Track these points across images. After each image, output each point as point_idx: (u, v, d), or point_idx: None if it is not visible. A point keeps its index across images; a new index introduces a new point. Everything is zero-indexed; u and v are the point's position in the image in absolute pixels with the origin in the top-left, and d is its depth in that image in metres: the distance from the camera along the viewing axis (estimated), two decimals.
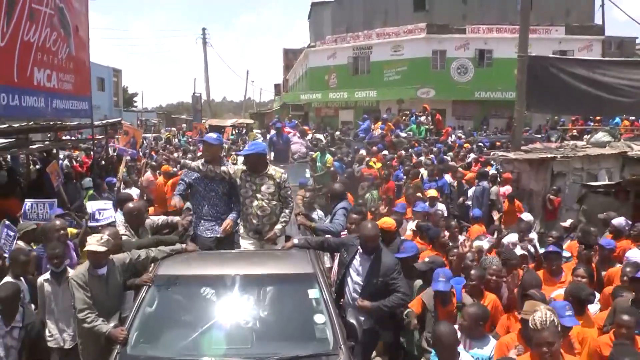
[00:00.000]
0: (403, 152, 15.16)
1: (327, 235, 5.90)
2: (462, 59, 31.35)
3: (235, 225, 5.55)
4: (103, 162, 14.94)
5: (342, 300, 5.26)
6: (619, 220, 7.30)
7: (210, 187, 5.56)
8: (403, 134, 18.67)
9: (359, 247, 5.07)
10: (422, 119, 20.62)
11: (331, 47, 35.01)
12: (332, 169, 12.31)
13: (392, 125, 19.39)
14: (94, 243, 4.67)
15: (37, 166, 14.27)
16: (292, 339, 4.20)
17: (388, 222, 6.02)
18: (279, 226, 5.42)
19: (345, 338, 4.07)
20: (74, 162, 15.74)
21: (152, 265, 4.92)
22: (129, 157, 12.61)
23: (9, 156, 13.15)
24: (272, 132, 15.72)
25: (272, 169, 5.54)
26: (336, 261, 5.78)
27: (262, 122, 38.37)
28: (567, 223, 8.63)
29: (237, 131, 28.73)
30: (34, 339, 4.85)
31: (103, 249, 4.66)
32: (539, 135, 20.83)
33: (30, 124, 10.33)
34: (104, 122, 15.39)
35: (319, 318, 4.23)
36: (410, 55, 31.54)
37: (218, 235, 5.46)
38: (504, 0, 30.64)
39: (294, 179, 9.31)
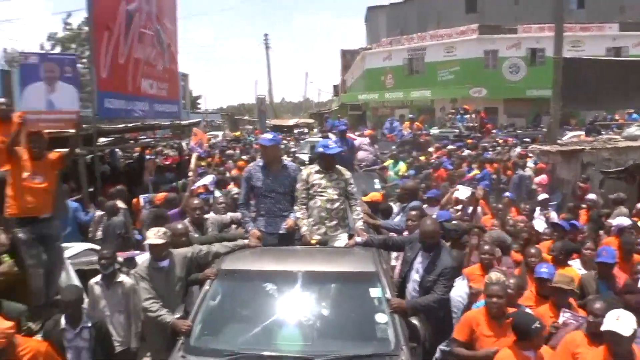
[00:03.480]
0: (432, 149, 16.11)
1: (391, 233, 5.97)
2: (514, 58, 32.11)
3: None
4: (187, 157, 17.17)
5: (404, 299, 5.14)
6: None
7: (271, 186, 5.52)
8: (434, 131, 19.48)
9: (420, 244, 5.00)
10: (467, 117, 21.86)
11: (387, 49, 36.56)
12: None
13: (420, 124, 20.26)
14: (152, 236, 4.78)
15: (130, 161, 16.57)
16: (352, 337, 4.13)
17: (375, 195, 7.19)
18: (359, 223, 5.43)
19: (407, 339, 3.99)
20: (161, 157, 18.09)
21: (215, 260, 4.98)
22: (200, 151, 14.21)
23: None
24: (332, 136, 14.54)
25: (340, 168, 5.64)
26: (400, 259, 5.70)
27: (322, 122, 40.32)
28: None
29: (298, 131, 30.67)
30: (104, 335, 4.81)
31: (161, 241, 4.74)
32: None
33: (138, 124, 12.64)
34: (188, 122, 17.63)
35: (381, 317, 4.16)
36: (462, 55, 32.65)
37: (280, 232, 5.46)
38: None
39: (361, 190, 8.19)
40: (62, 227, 6.08)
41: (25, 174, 4.99)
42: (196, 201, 6.18)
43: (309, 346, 3.96)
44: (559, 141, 13.79)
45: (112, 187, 10.45)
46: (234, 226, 6.67)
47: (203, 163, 13.25)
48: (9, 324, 3.80)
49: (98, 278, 5.32)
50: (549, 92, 29.92)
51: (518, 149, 16.99)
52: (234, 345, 3.97)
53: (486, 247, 5.47)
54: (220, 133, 21.67)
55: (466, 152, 16.08)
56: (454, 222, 6.53)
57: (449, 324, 4.81)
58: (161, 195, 8.68)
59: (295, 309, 4.33)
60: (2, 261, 5.01)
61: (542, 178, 12.64)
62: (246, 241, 5.19)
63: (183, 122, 16.27)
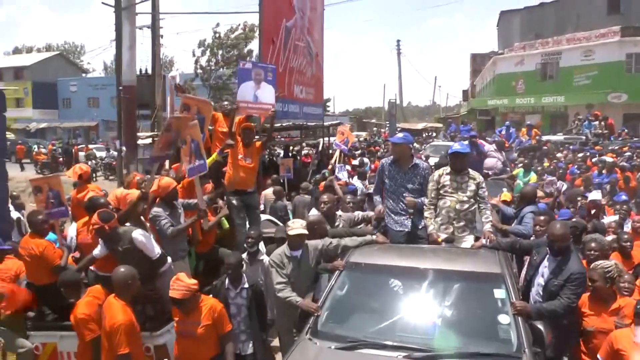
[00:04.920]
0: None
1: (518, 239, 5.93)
2: None
3: (419, 219, 5.72)
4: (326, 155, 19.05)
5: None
6: None
7: (400, 182, 5.68)
8: (559, 137, 19.02)
9: (548, 248, 4.90)
10: (595, 124, 21.33)
11: (519, 54, 36.10)
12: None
13: (537, 131, 19.53)
14: (298, 227, 5.05)
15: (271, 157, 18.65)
16: (474, 336, 4.12)
17: (506, 195, 7.69)
18: (487, 226, 5.47)
19: (530, 343, 3.93)
20: (302, 155, 20.18)
21: (343, 253, 5.17)
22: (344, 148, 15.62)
23: None
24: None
25: (472, 171, 5.70)
26: (526, 264, 5.74)
27: (449, 126, 40.72)
28: None
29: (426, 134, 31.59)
30: (259, 296, 5.27)
31: (306, 232, 5.05)
32: None
33: (289, 124, 14.58)
34: (331, 123, 19.47)
35: (504, 319, 4.15)
36: (601, 59, 31.33)
37: (407, 230, 5.65)
38: None
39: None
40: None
41: (239, 156, 6.76)
42: (325, 196, 6.41)
43: (430, 340, 4.02)
44: None
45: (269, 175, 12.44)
46: (362, 224, 6.89)
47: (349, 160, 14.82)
48: (194, 281, 4.51)
49: (244, 255, 5.96)
50: None
51: None
52: (358, 333, 4.13)
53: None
54: (363, 133, 23.39)
55: (595, 157, 16.03)
56: (573, 219, 6.75)
57: (574, 333, 4.76)
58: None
59: (418, 304, 4.47)
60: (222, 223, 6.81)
61: None
62: (374, 237, 5.40)
63: (325, 124, 18.10)
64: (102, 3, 14.22)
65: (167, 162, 7.71)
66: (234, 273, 5.13)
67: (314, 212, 6.62)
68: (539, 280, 4.86)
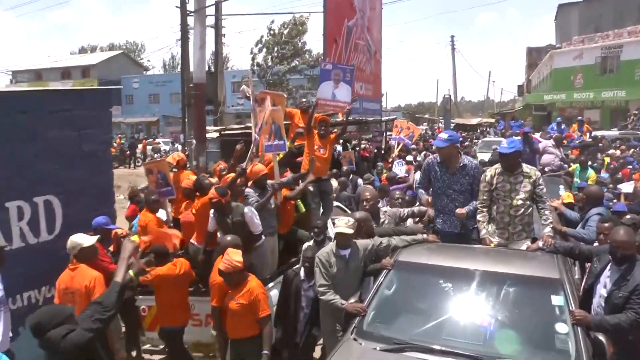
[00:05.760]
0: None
1: (580, 243, 5.60)
2: None
3: (472, 221, 5.51)
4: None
5: None
6: None
7: (449, 183, 5.55)
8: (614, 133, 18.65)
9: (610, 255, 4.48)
10: None
11: (578, 48, 35.54)
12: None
13: (589, 126, 19.23)
14: (342, 225, 4.93)
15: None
16: (528, 344, 3.87)
17: (568, 196, 7.44)
18: (547, 229, 5.13)
19: (590, 355, 3.66)
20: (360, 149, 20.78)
21: (393, 253, 5.03)
22: (408, 142, 16.05)
23: None
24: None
25: (527, 167, 5.39)
26: (587, 272, 5.28)
27: (505, 122, 40.37)
28: None
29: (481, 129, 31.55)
30: None
31: (350, 231, 4.91)
32: None
33: (350, 118, 15.21)
34: (388, 118, 20.05)
35: (561, 328, 3.90)
36: None
37: (456, 231, 5.49)
38: None
39: None
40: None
41: (315, 147, 7.51)
42: (367, 194, 6.31)
43: (479, 346, 3.83)
44: None
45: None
46: (410, 220, 6.79)
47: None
48: (240, 259, 4.75)
49: (311, 242, 6.06)
50: None
51: None
52: (405, 335, 4.00)
53: None
54: (425, 127, 24.20)
55: None
56: (627, 216, 6.31)
57: (638, 349, 4.30)
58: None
59: (468, 308, 4.27)
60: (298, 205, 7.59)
61: None
62: (425, 236, 5.28)
63: (383, 119, 18.71)
64: (176, 7, 15.26)
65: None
66: (310, 266, 5.24)
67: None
68: (601, 291, 4.45)
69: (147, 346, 6.53)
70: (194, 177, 7.02)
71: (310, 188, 7.42)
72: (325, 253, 5.01)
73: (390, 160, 13.09)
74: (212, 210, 5.99)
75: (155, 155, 26.51)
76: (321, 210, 7.61)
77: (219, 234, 5.97)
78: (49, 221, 6.07)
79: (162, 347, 6.34)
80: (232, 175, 6.52)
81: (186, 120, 23.14)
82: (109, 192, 7.47)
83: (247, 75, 10.07)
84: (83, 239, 5.21)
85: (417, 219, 5.94)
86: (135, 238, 6.01)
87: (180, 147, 25.16)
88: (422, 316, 4.26)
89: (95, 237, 5.36)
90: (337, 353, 3.97)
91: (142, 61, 73.55)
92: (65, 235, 6.08)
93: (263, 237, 6.14)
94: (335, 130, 8.35)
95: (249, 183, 6.57)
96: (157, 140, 36.55)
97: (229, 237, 5.24)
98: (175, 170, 7.82)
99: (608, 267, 4.48)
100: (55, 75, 59.54)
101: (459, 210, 5.37)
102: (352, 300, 4.51)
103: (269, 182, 6.71)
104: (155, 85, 58.05)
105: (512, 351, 3.75)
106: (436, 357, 3.71)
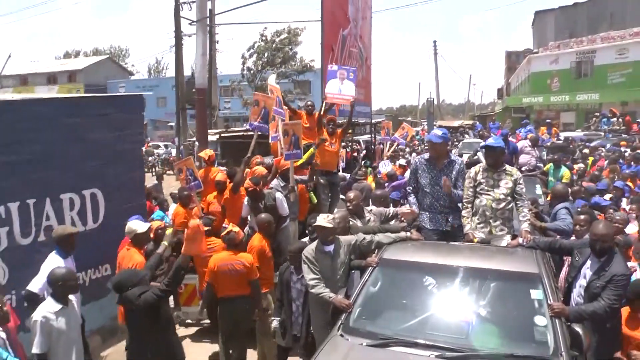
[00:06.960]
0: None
1: (557, 237, 5.86)
2: None
3: (455, 218, 5.62)
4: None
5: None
6: None
7: (435, 180, 5.63)
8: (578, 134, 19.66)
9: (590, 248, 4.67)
10: (613, 120, 22.30)
11: (554, 53, 37.10)
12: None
13: (557, 129, 20.43)
14: (321, 220, 5.05)
15: None
16: (508, 337, 4.01)
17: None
18: (525, 225, 5.27)
19: (567, 346, 3.78)
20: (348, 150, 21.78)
21: (377, 249, 5.15)
22: (402, 142, 16.74)
23: None
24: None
25: (509, 167, 5.62)
26: (566, 265, 5.56)
27: (484, 124, 41.72)
28: None
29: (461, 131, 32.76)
30: None
31: (330, 225, 5.02)
32: None
33: (343, 121, 16.22)
34: (377, 121, 21.06)
35: (540, 320, 4.04)
36: (636, 57, 32.20)
37: (441, 229, 5.59)
38: None
39: None
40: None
41: (326, 143, 8.47)
42: (350, 194, 6.34)
43: (463, 340, 3.94)
44: None
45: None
46: (394, 220, 6.85)
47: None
48: (237, 229, 5.99)
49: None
50: None
51: None
52: (390, 330, 4.10)
53: None
54: (419, 128, 25.55)
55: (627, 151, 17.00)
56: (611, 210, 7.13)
57: (616, 336, 4.54)
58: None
59: (452, 303, 4.39)
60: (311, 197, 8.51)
61: None
62: (408, 234, 5.37)
63: (374, 121, 19.75)
64: (182, 17, 16.16)
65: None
66: (293, 259, 5.50)
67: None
68: (581, 282, 4.67)
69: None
70: (221, 173, 7.99)
71: (322, 180, 8.37)
72: (310, 250, 5.11)
73: (385, 158, 13.87)
74: (245, 199, 6.97)
75: (150, 158, 27.20)
76: (329, 200, 8.57)
77: (249, 218, 6.99)
78: (94, 211, 7.05)
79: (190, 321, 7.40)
80: (263, 169, 7.70)
81: (180, 124, 24.25)
82: (141, 187, 8.39)
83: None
84: (138, 226, 6.07)
85: (402, 218, 5.98)
86: (169, 231, 6.84)
87: (174, 151, 26.02)
88: (406, 312, 4.39)
89: (148, 224, 6.25)
90: (324, 349, 4.06)
91: (126, 66, 73.82)
92: (107, 224, 7.06)
93: (288, 219, 7.15)
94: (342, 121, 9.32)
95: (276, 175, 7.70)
96: (150, 144, 37.10)
97: (263, 215, 6.29)
98: (204, 165, 8.80)
99: (589, 259, 4.67)
100: (41, 80, 59.72)
101: (445, 179, 5.51)
102: (339, 296, 4.64)
103: (296, 177, 7.72)
104: (141, 89, 58.12)
105: (494, 344, 3.89)
106: (421, 351, 3.82)
